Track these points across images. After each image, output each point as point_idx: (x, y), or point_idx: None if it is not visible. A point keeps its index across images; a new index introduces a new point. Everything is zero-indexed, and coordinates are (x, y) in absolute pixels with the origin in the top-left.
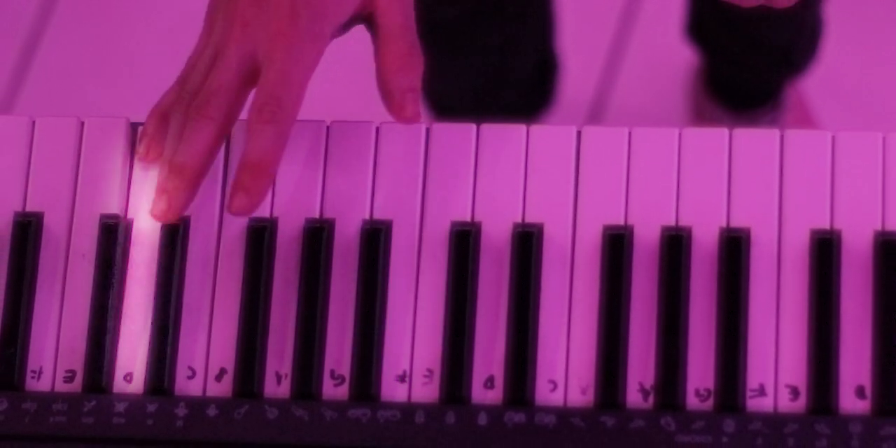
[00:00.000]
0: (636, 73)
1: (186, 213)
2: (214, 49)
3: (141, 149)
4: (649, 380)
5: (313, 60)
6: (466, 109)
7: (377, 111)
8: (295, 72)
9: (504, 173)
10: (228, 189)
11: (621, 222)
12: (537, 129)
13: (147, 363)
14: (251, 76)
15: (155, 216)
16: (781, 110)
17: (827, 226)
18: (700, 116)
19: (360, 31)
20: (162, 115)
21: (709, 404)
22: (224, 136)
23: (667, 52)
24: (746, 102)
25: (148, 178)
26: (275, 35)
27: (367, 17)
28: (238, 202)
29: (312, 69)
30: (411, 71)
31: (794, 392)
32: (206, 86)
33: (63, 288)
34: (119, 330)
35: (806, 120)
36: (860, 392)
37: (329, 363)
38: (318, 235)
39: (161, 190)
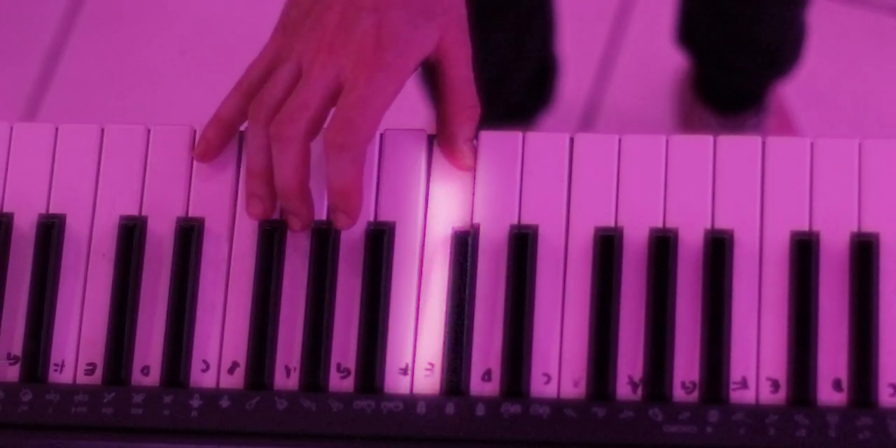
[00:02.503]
0: (628, 77)
1: (201, 215)
2: (296, 65)
3: (199, 150)
4: (638, 373)
5: (393, 91)
6: None
7: (384, 121)
8: (375, 99)
9: (501, 178)
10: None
11: (612, 224)
12: (532, 136)
13: (163, 357)
14: (332, 97)
15: (296, 230)
16: (765, 114)
17: (806, 227)
18: (688, 119)
19: None
20: (223, 121)
21: (694, 396)
22: (308, 149)
23: (657, 57)
24: (732, 106)
25: (164, 182)
26: (360, 63)
27: (433, 63)
28: (341, 221)
29: (392, 99)
30: (473, 122)
31: (775, 385)
32: (289, 102)
33: (84, 286)
34: (137, 325)
35: (787, 124)
36: (837, 385)
37: (335, 357)
38: (325, 236)
39: (287, 212)
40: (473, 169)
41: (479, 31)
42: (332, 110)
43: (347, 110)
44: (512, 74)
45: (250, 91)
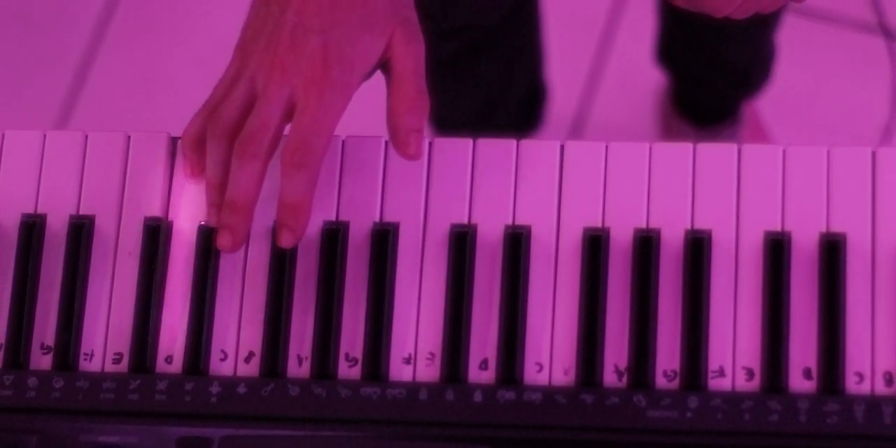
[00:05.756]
0: (612, 93)
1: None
2: (250, 86)
3: (188, 171)
4: (623, 362)
5: (341, 107)
6: (464, 130)
7: (386, 127)
8: (325, 119)
9: (497, 182)
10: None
11: (599, 224)
12: (526, 144)
13: (185, 347)
14: (287, 115)
15: (223, 249)
16: (739, 126)
17: (778, 228)
18: (668, 131)
19: None
20: (196, 139)
21: (675, 384)
22: (266, 168)
23: (639, 74)
24: (709, 119)
25: (186, 185)
26: (309, 83)
27: (384, 63)
28: (284, 238)
29: (340, 115)
30: (418, 113)
31: (750, 373)
32: (249, 124)
33: (112, 282)
34: (161, 318)
35: (760, 134)
36: (807, 373)
37: (344, 347)
38: (334, 236)
39: (223, 225)
40: (419, 158)
41: (470, 63)
42: (288, 128)
43: (301, 131)
44: (500, 103)
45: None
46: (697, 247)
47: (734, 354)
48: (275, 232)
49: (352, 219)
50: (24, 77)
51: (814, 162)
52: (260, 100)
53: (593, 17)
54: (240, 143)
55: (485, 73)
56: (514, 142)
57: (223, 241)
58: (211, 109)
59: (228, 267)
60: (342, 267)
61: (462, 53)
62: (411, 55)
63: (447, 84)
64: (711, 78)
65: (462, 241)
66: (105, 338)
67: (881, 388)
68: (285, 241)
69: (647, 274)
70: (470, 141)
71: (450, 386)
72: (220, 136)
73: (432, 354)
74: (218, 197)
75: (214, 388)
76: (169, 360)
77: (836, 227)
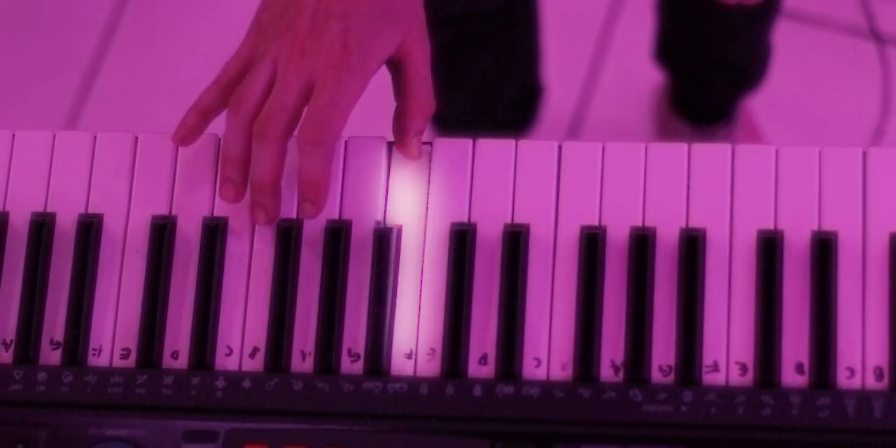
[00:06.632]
0: (610, 92)
1: (225, 215)
2: (272, 65)
3: (179, 135)
4: (620, 357)
5: (358, 91)
6: (462, 123)
7: (388, 128)
8: (342, 100)
9: (496, 181)
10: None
11: (596, 223)
12: (524, 144)
13: (191, 342)
14: (305, 98)
15: (261, 223)
16: (734, 126)
17: (771, 226)
18: (665, 130)
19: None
20: (202, 111)
21: (670, 378)
22: (285, 147)
23: (637, 73)
24: (705, 118)
25: (192, 184)
26: (328, 67)
27: (395, 62)
28: (307, 210)
29: (357, 98)
30: (425, 118)
31: (743, 368)
32: (268, 106)
33: (120, 278)
34: (167, 314)
35: (754, 134)
36: (799, 368)
37: (346, 343)
38: (337, 234)
39: (256, 204)
40: (419, 159)
41: (466, 55)
42: (305, 109)
43: (319, 110)
44: (498, 96)
45: (227, 85)
46: (692, 245)
47: (728, 350)
48: (298, 205)
49: (354, 217)
50: (34, 78)
51: (806, 162)
52: (279, 83)
53: (591, 16)
54: (259, 125)
55: (481, 66)
56: (513, 142)
57: (258, 217)
58: (224, 84)
59: (234, 264)
60: (345, 264)
61: (458, 44)
62: (424, 59)
63: (443, 76)
64: (709, 75)
65: (462, 240)
66: (113, 333)
67: (871, 383)
68: (308, 213)
69: (642, 271)
70: (470, 141)
71: (450, 381)
72: (242, 115)
73: (433, 350)
74: (234, 172)
75: (220, 383)
76: (175, 355)
77: (828, 226)
